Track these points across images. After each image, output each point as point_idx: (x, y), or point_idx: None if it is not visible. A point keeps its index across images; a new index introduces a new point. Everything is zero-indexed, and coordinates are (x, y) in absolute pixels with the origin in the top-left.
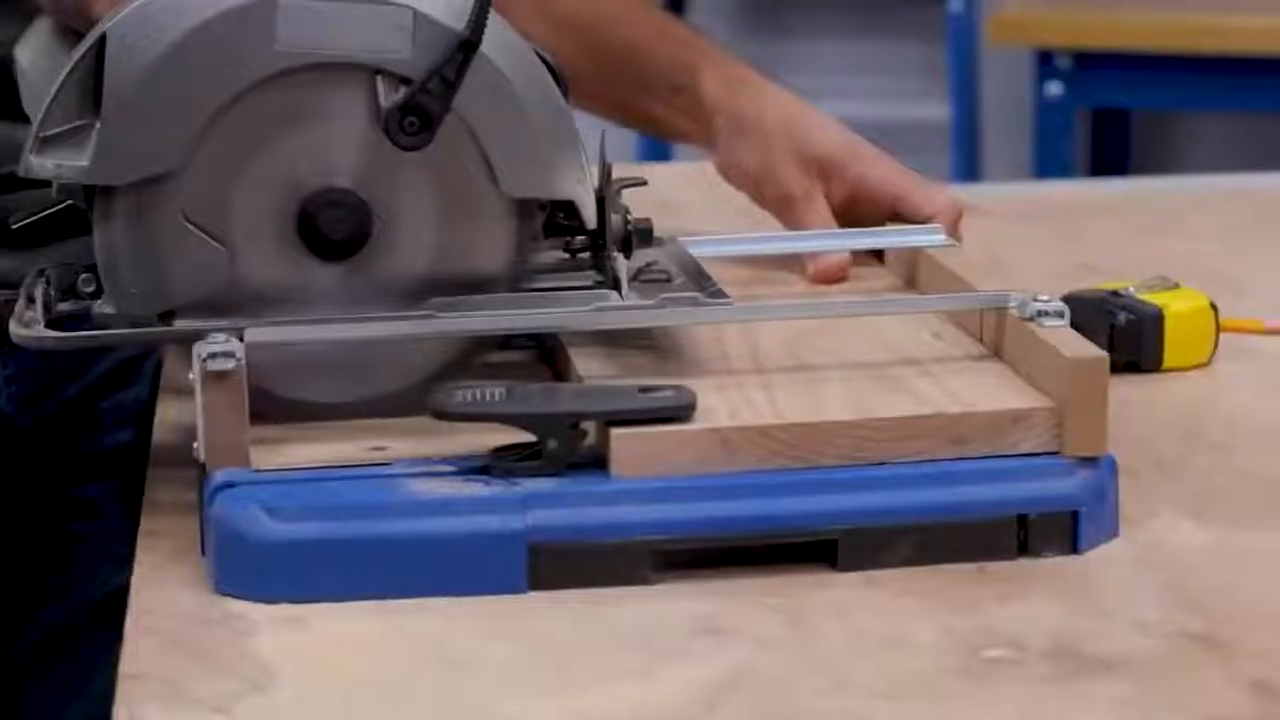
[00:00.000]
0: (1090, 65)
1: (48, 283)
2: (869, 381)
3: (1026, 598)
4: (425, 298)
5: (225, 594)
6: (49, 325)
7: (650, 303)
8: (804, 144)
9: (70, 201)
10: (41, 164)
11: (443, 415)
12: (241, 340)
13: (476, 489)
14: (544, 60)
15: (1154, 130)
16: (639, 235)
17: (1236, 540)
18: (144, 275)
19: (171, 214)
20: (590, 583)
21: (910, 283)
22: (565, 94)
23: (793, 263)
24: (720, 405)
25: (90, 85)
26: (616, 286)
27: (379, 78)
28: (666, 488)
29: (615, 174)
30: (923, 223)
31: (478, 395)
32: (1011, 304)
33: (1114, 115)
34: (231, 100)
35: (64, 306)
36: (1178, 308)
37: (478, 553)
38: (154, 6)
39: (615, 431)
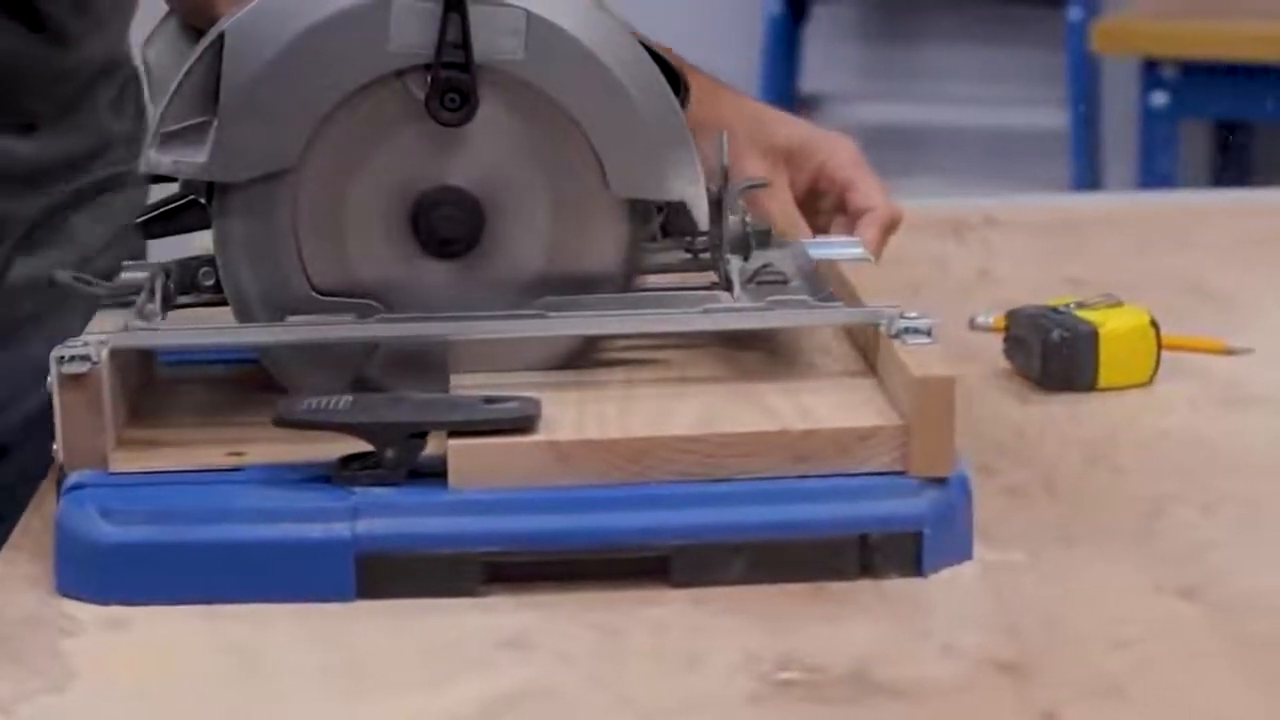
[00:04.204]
0: (1197, 75)
1: (167, 276)
2: (727, 397)
3: (850, 619)
4: (537, 295)
5: (64, 595)
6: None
7: (759, 305)
8: (767, 137)
9: (192, 196)
10: (159, 160)
11: (284, 423)
12: (103, 343)
13: (310, 497)
14: (659, 60)
15: (1277, 142)
16: (757, 237)
17: (1088, 567)
18: (260, 272)
19: (287, 211)
20: (419, 593)
21: None
22: (683, 95)
23: None
24: (568, 417)
25: (209, 83)
26: (730, 288)
27: (405, 78)
28: (498, 500)
29: None
30: (858, 215)
31: (321, 403)
32: (881, 321)
33: (1235, 127)
34: (345, 100)
35: (184, 300)
36: (1114, 326)
37: (305, 560)
38: (272, 6)
39: (452, 442)
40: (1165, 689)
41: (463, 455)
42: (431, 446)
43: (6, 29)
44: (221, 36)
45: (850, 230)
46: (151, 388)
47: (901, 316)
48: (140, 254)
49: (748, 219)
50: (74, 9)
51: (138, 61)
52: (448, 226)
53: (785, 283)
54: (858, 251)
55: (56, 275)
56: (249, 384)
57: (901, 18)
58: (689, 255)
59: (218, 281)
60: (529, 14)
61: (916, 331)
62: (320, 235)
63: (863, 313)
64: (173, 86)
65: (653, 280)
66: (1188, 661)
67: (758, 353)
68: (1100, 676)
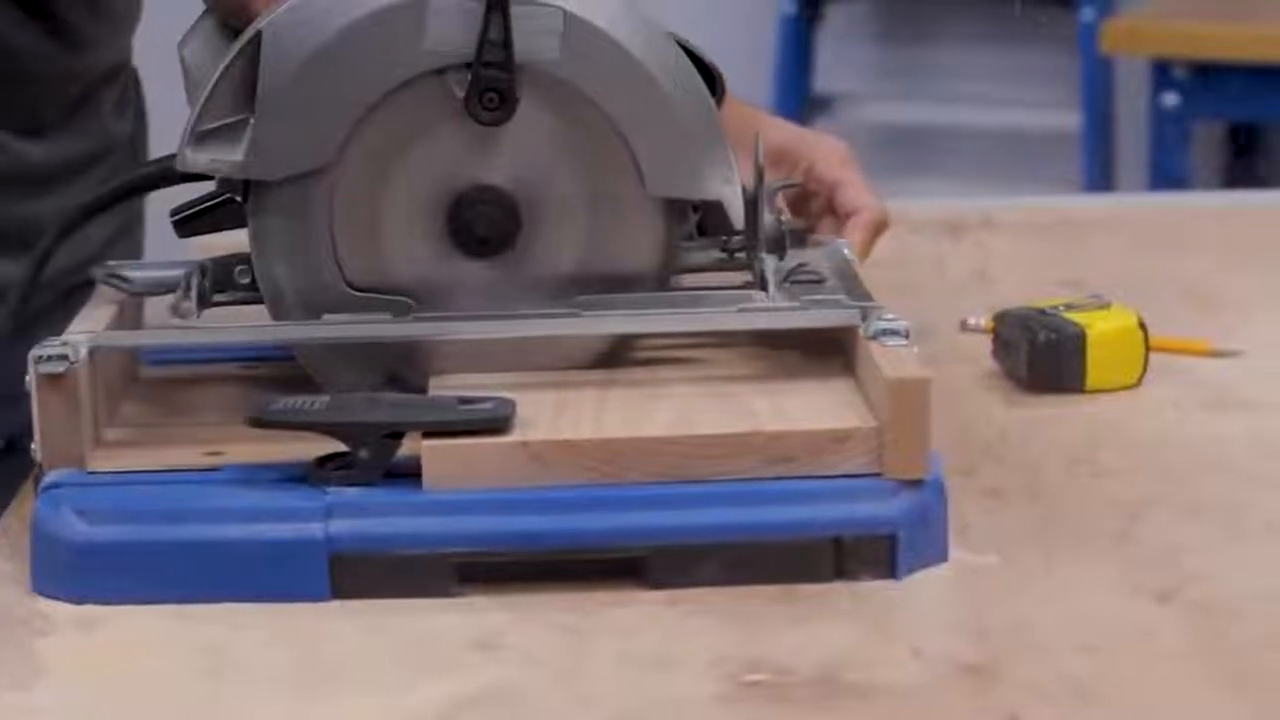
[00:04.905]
0: (1208, 76)
1: (203, 274)
2: (706, 398)
3: (822, 621)
4: (573, 294)
5: (39, 594)
6: None
7: (794, 305)
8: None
9: (228, 194)
10: (196, 158)
11: (258, 423)
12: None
13: (284, 497)
14: (696, 58)
15: None
16: (792, 236)
17: (1063, 570)
18: (296, 269)
19: (323, 209)
20: (393, 593)
21: None
22: (719, 94)
23: None
24: (543, 418)
25: (246, 81)
26: (765, 287)
27: (445, 75)
28: (471, 500)
29: None
30: (847, 216)
31: (295, 404)
32: (859, 322)
33: (1249, 128)
34: (382, 98)
35: (220, 298)
36: (1101, 328)
37: (279, 560)
38: (309, 5)
39: (426, 443)
40: (1131, 692)
41: (436, 456)
42: (407, 447)
43: (24, 31)
44: (259, 35)
45: (838, 231)
46: (135, 387)
47: (879, 318)
48: (138, 254)
49: (783, 218)
50: (90, 13)
51: (136, 63)
52: (484, 225)
53: (821, 282)
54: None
55: (93, 273)
56: (234, 384)
57: (914, 18)
58: (724, 254)
59: (253, 279)
60: (566, 13)
61: (893, 333)
62: (356, 233)
63: (842, 314)
64: (210, 84)
65: (689, 279)
66: (1156, 665)
67: (794, 351)
68: (1066, 679)
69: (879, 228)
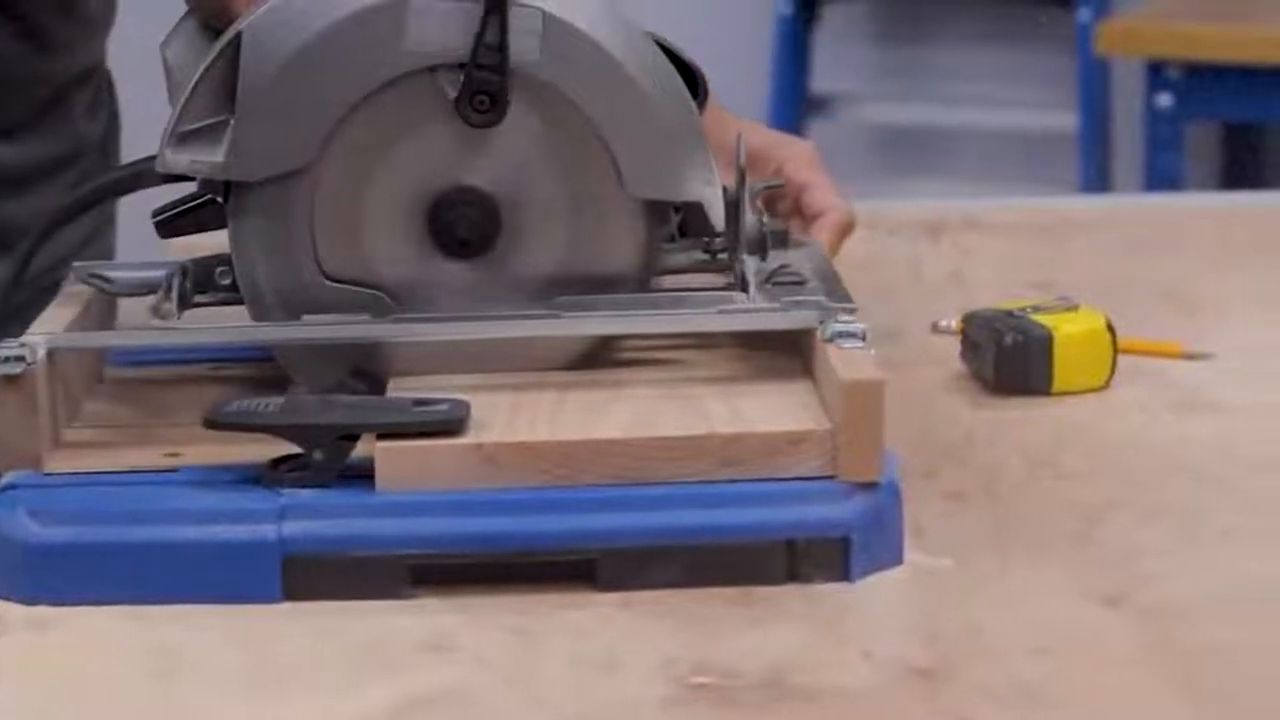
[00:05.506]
0: (1202, 77)
1: (184, 275)
2: (665, 400)
3: (773, 624)
4: (554, 296)
5: None
6: None
7: (774, 306)
8: (728, 141)
9: (210, 195)
10: (177, 159)
11: (212, 425)
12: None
13: (238, 499)
14: (677, 60)
15: None
16: (774, 237)
17: (1017, 574)
18: (276, 270)
19: (303, 210)
20: (346, 595)
21: None
22: (701, 95)
23: None
24: (498, 420)
25: (227, 82)
26: (746, 289)
27: (437, 74)
28: (424, 502)
29: None
30: (814, 217)
31: (251, 405)
32: (817, 325)
33: (1246, 129)
34: (362, 99)
35: (201, 299)
36: (1068, 330)
37: (232, 562)
38: (289, 6)
39: (380, 445)
40: (1080, 695)
41: (390, 458)
42: (362, 448)
43: None
44: (238, 36)
45: (805, 233)
46: (101, 387)
47: (836, 320)
48: (110, 255)
49: (765, 220)
50: (63, 16)
51: (110, 65)
52: (465, 226)
53: (802, 283)
54: None
55: (73, 273)
56: (202, 384)
57: (912, 19)
58: (706, 256)
59: (234, 280)
60: (546, 14)
61: (850, 335)
62: (336, 234)
63: (800, 317)
64: (190, 85)
65: (670, 281)
66: (1106, 668)
67: (771, 353)
68: (1015, 683)
69: (845, 229)
